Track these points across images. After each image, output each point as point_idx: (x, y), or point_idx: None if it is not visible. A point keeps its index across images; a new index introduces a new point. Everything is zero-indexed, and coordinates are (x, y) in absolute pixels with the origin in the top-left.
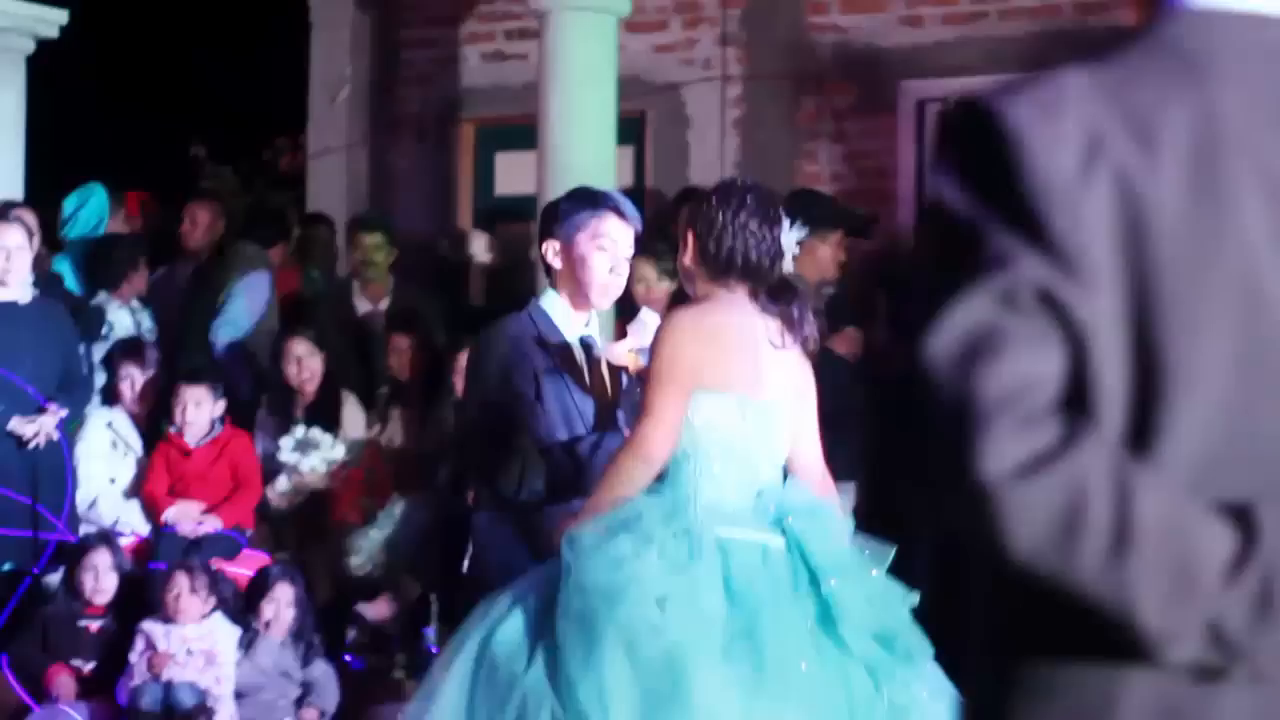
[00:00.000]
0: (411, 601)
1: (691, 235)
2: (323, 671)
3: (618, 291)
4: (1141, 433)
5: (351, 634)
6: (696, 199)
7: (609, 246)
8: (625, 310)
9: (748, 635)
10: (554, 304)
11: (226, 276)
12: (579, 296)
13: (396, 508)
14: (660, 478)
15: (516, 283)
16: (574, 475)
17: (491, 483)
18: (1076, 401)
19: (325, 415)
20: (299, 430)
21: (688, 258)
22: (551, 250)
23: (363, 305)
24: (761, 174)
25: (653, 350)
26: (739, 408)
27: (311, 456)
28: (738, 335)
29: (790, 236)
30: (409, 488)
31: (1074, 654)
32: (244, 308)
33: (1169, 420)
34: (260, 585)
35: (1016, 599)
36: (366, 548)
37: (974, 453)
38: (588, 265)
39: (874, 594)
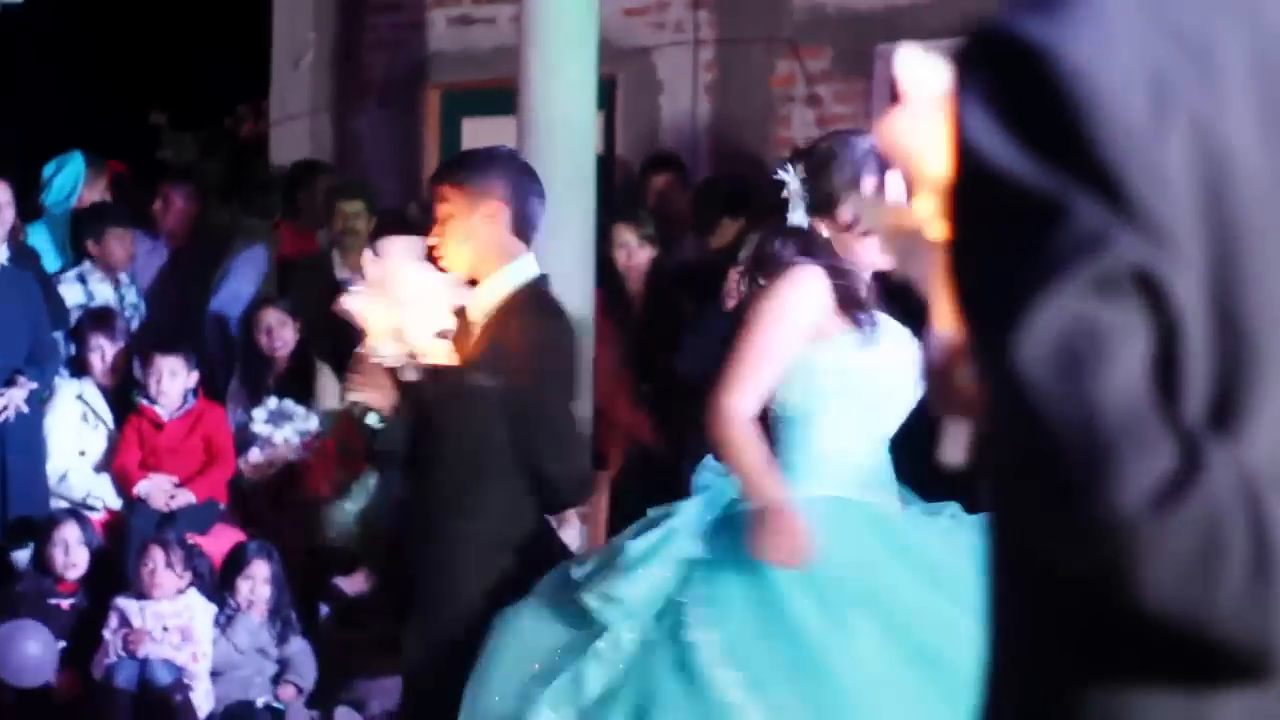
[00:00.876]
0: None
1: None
2: (300, 648)
3: None
4: (1222, 421)
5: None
6: (828, 152)
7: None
8: (607, 280)
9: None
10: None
11: (226, 251)
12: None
13: (370, 480)
14: (783, 438)
15: None
16: None
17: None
18: (1167, 398)
19: (299, 386)
20: (272, 401)
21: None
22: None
23: (343, 274)
24: (734, 139)
25: (765, 307)
26: (873, 362)
27: (285, 428)
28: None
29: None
30: (382, 461)
31: (1157, 679)
32: (245, 281)
33: (1256, 405)
34: (236, 562)
35: (1090, 623)
36: (340, 520)
37: (1101, 484)
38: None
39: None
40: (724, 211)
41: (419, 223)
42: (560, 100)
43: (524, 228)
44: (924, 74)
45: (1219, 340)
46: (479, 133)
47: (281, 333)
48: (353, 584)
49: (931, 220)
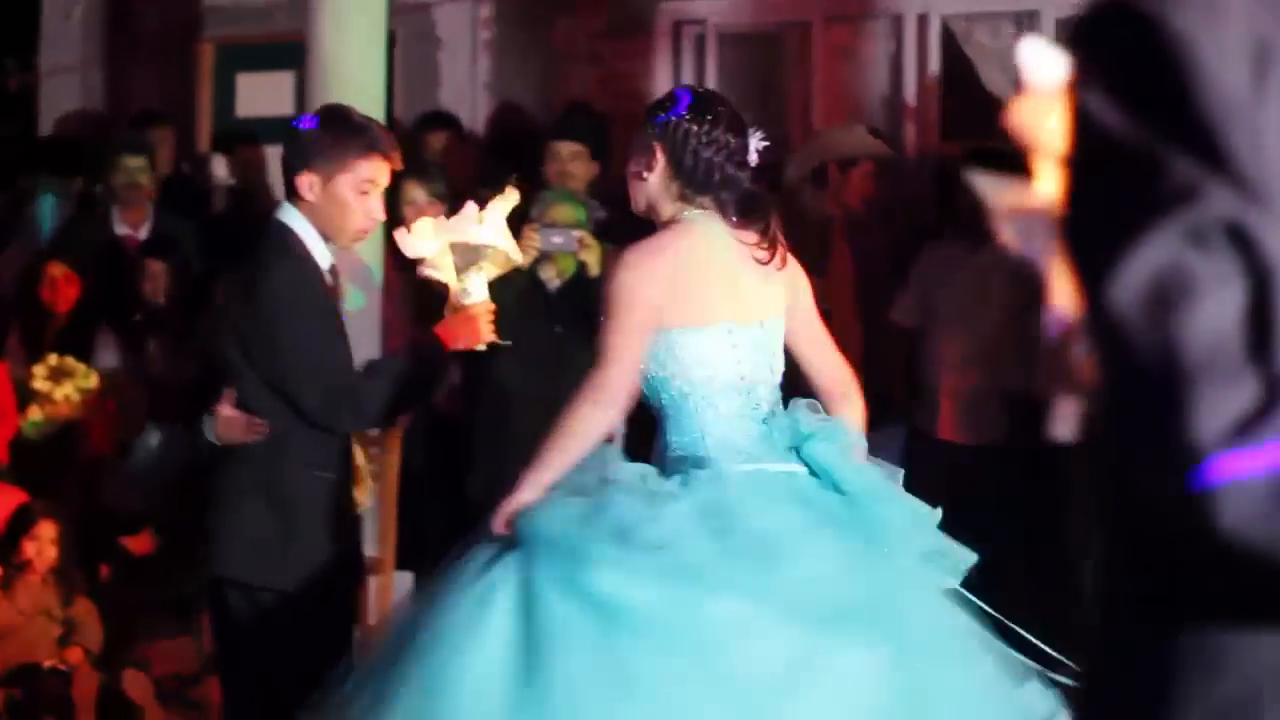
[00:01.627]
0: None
1: (661, 151)
2: (86, 610)
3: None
4: None
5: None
6: (655, 111)
7: (372, 191)
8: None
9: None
10: (307, 231)
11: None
12: (330, 232)
13: (153, 438)
14: (664, 422)
15: (259, 208)
16: None
17: None
18: (1258, 343)
19: (79, 342)
20: (52, 358)
21: (655, 175)
22: (307, 184)
23: (121, 229)
24: (514, 97)
25: (605, 290)
26: (728, 337)
27: (65, 385)
28: (712, 261)
29: (756, 145)
30: (164, 418)
31: (1250, 620)
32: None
33: None
34: (21, 522)
35: (1188, 563)
36: (122, 480)
37: (1184, 416)
38: (349, 211)
39: (914, 513)
40: (511, 169)
41: (191, 179)
42: (349, 55)
43: None
44: (1045, 63)
45: None
46: (254, 87)
47: (65, 289)
48: (137, 543)
49: (1051, 200)
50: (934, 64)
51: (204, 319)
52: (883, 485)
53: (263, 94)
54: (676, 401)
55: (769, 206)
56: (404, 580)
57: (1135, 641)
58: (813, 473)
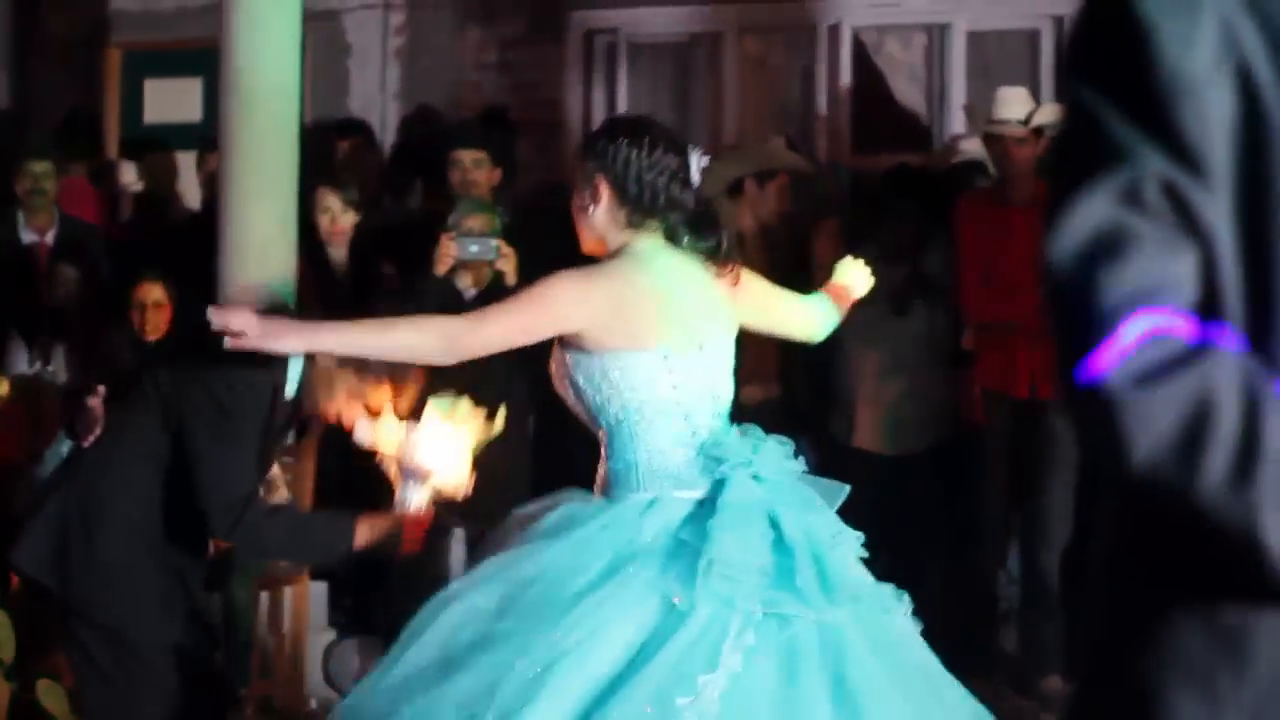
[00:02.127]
0: None
1: (604, 181)
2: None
3: None
4: (1257, 341)
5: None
6: (593, 143)
7: None
8: (309, 246)
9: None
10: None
11: None
12: None
13: (63, 446)
14: (606, 445)
15: (170, 214)
16: None
17: None
18: (1208, 310)
19: None
20: None
21: (601, 206)
22: None
23: (28, 236)
24: (423, 104)
25: (531, 286)
26: (664, 363)
27: None
28: (653, 286)
29: (698, 164)
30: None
31: (1205, 590)
32: None
33: None
34: None
35: (1145, 524)
36: (32, 489)
37: (1096, 356)
38: None
39: (774, 537)
40: (417, 174)
41: (96, 186)
42: (263, 61)
43: None
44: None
45: (1250, 275)
46: (161, 94)
47: None
48: None
49: None
50: (845, 75)
51: (113, 328)
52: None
53: (171, 100)
54: (613, 426)
55: (719, 223)
56: (319, 589)
57: (1101, 611)
58: (713, 500)
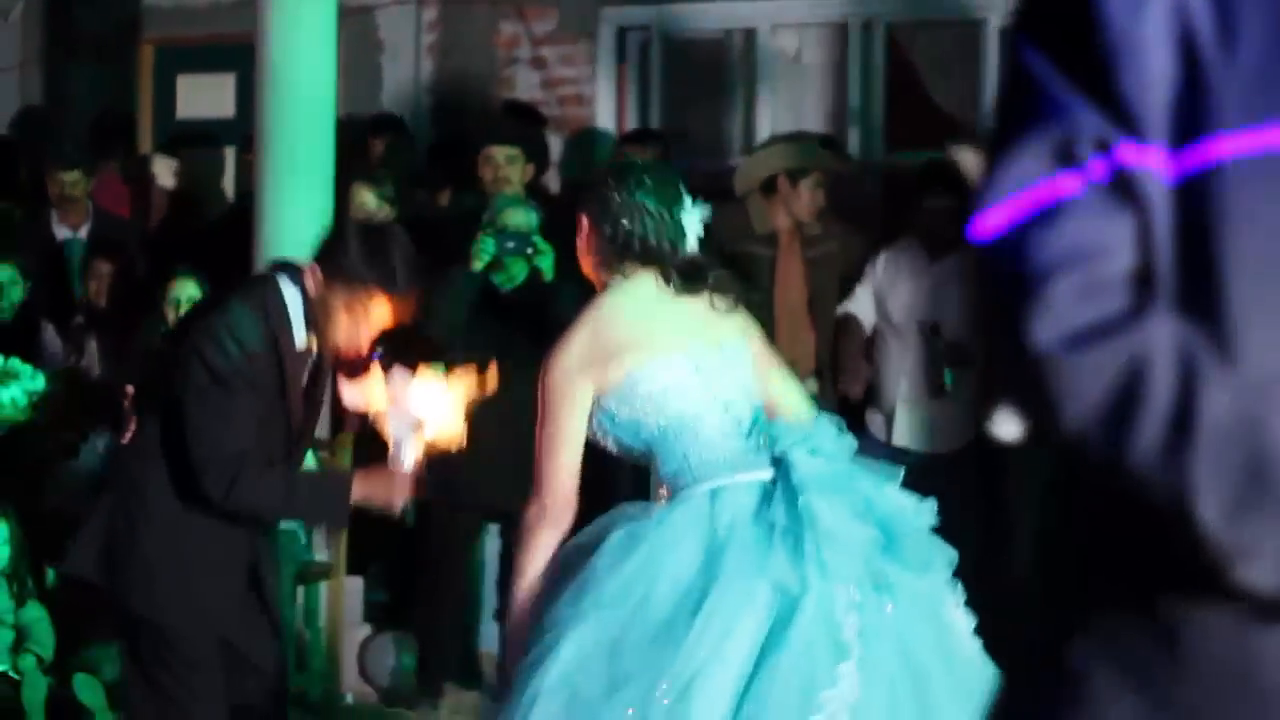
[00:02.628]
0: None
1: (586, 219)
2: (38, 615)
3: None
4: (1195, 303)
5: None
6: (591, 179)
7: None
8: None
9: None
10: (295, 303)
11: None
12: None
13: (99, 441)
14: (653, 460)
15: (204, 210)
16: None
17: None
18: (1144, 278)
19: (23, 344)
20: None
21: (588, 247)
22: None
23: (62, 232)
24: (457, 100)
25: (540, 397)
26: (688, 361)
27: (11, 388)
28: (652, 307)
29: (694, 216)
30: (110, 420)
31: (1143, 583)
32: None
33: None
34: None
35: (1086, 506)
36: (68, 482)
37: (1027, 319)
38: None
39: (862, 506)
40: (451, 171)
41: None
42: (298, 57)
43: None
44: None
45: (1188, 236)
46: (194, 89)
47: (10, 291)
48: None
49: None
50: (880, 71)
51: (148, 323)
52: (841, 478)
53: (204, 96)
54: (657, 436)
55: (707, 277)
56: (354, 585)
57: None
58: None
